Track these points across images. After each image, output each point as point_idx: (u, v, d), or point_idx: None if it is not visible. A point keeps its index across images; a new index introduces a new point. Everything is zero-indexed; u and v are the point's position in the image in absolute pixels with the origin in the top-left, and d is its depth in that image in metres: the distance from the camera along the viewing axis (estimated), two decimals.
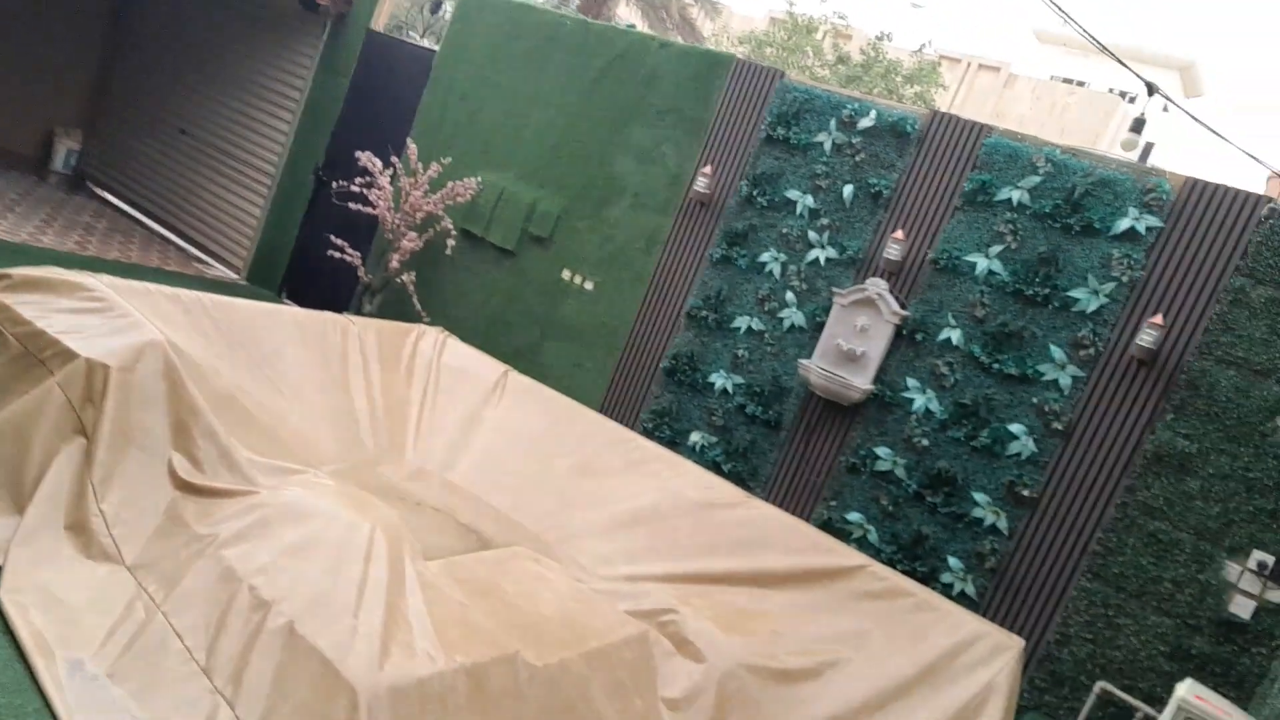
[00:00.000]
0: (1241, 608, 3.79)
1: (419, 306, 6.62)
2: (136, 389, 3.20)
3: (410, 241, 6.58)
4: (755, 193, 5.45)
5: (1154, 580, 4.03)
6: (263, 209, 8.04)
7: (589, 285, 6.18)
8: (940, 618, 3.43)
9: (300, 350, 4.33)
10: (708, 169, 5.63)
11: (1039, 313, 4.51)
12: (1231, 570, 3.86)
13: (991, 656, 3.30)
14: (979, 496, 4.47)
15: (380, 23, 7.79)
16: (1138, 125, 9.50)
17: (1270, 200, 4.08)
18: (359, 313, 6.75)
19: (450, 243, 6.55)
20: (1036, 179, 4.61)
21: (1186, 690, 3.22)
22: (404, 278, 6.61)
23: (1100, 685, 3.90)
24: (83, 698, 2.45)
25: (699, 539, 3.97)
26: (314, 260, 7.58)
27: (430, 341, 5.09)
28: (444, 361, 4.99)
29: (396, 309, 6.72)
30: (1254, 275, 4.05)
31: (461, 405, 4.79)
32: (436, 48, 7.30)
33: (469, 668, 2.76)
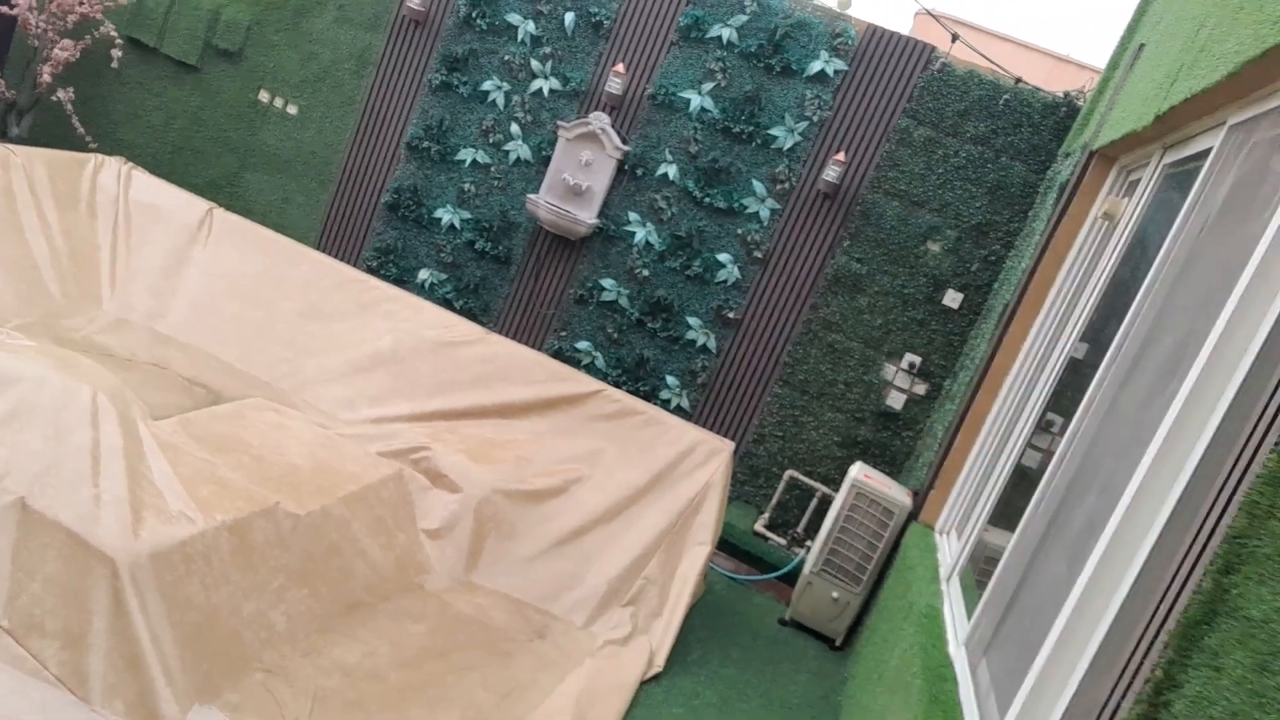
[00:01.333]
0: (896, 400, 4.67)
1: (81, 129, 5.74)
2: None
3: (64, 50, 5.59)
4: (474, 14, 5.25)
5: (830, 384, 4.80)
6: None
7: (292, 109, 5.71)
8: (664, 430, 3.87)
9: None
10: None
11: (744, 149, 4.91)
12: (889, 370, 4.71)
13: (708, 459, 3.81)
14: (692, 320, 4.96)
15: None
16: None
17: (934, 48, 4.69)
18: (4, 137, 5.72)
19: (115, 53, 5.66)
20: (744, 18, 4.88)
21: (857, 471, 3.98)
22: (59, 94, 5.66)
23: (789, 473, 4.67)
24: None
25: (441, 377, 4.06)
26: None
27: (112, 174, 4.50)
28: (132, 197, 4.45)
29: (53, 132, 5.79)
30: (916, 117, 4.69)
31: (161, 247, 4.36)
32: None
33: (230, 524, 2.73)
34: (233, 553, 2.72)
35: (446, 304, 5.24)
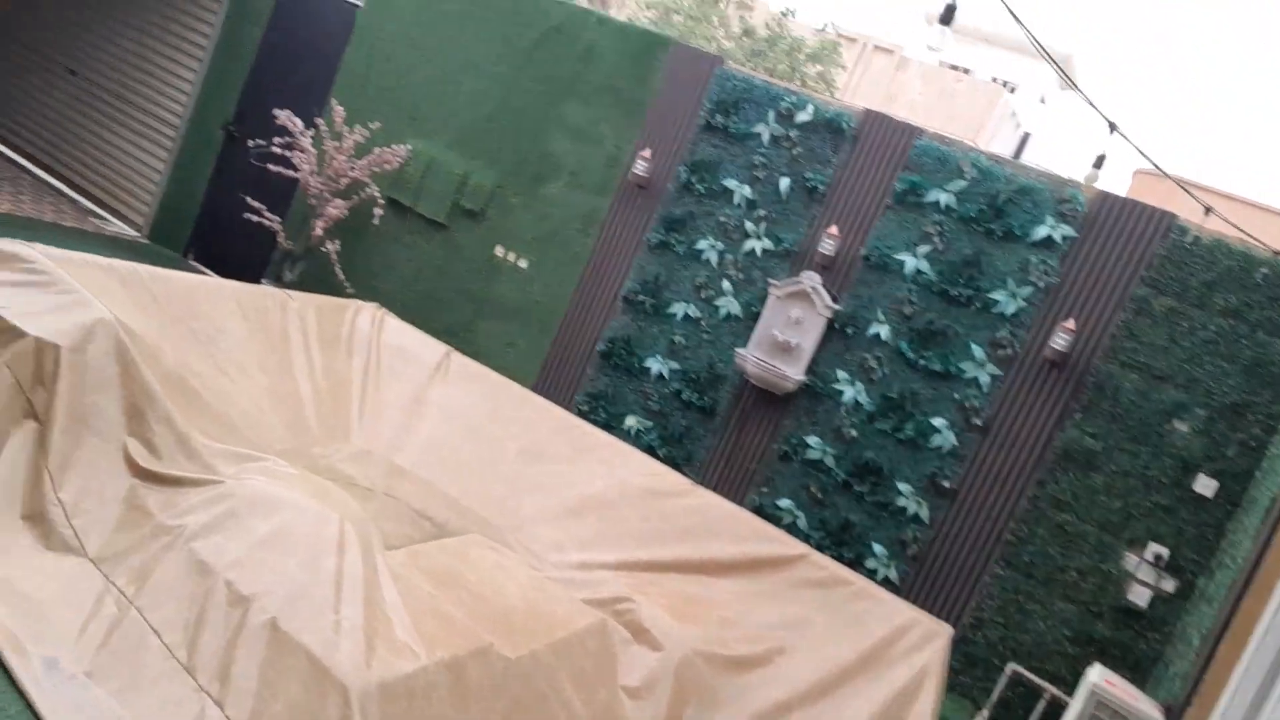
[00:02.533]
0: (1139, 596, 4.21)
1: (342, 277, 6.45)
2: (89, 370, 3.06)
3: (335, 209, 6.38)
4: (694, 179, 5.55)
5: (1061, 569, 4.42)
6: (166, 163, 7.61)
7: (523, 263, 6.17)
8: (876, 605, 3.67)
9: (242, 327, 4.20)
10: (646, 152, 5.69)
11: (962, 312, 4.80)
12: (1130, 561, 4.28)
13: (924, 643, 3.57)
14: (903, 486, 4.76)
15: None
16: (1099, 162, 9.15)
17: (1174, 216, 4.47)
18: (279, 280, 6.52)
19: (377, 212, 6.39)
20: (963, 183, 4.88)
21: (1097, 675, 3.57)
22: (328, 246, 6.41)
23: (1011, 667, 4.27)
24: (64, 698, 2.38)
25: (647, 527, 4.09)
26: (224, 221, 7.25)
27: (368, 318, 5.00)
28: (384, 340, 4.91)
29: (318, 278, 6.53)
30: (1156, 286, 4.44)
31: (404, 386, 4.74)
32: (359, 2, 7.04)
33: (449, 662, 2.81)
34: (450, 691, 2.77)
35: (651, 451, 5.32)
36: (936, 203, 4.91)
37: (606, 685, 3.33)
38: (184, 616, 2.66)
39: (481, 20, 6.44)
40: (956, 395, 4.75)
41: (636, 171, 5.67)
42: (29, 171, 8.23)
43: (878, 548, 4.77)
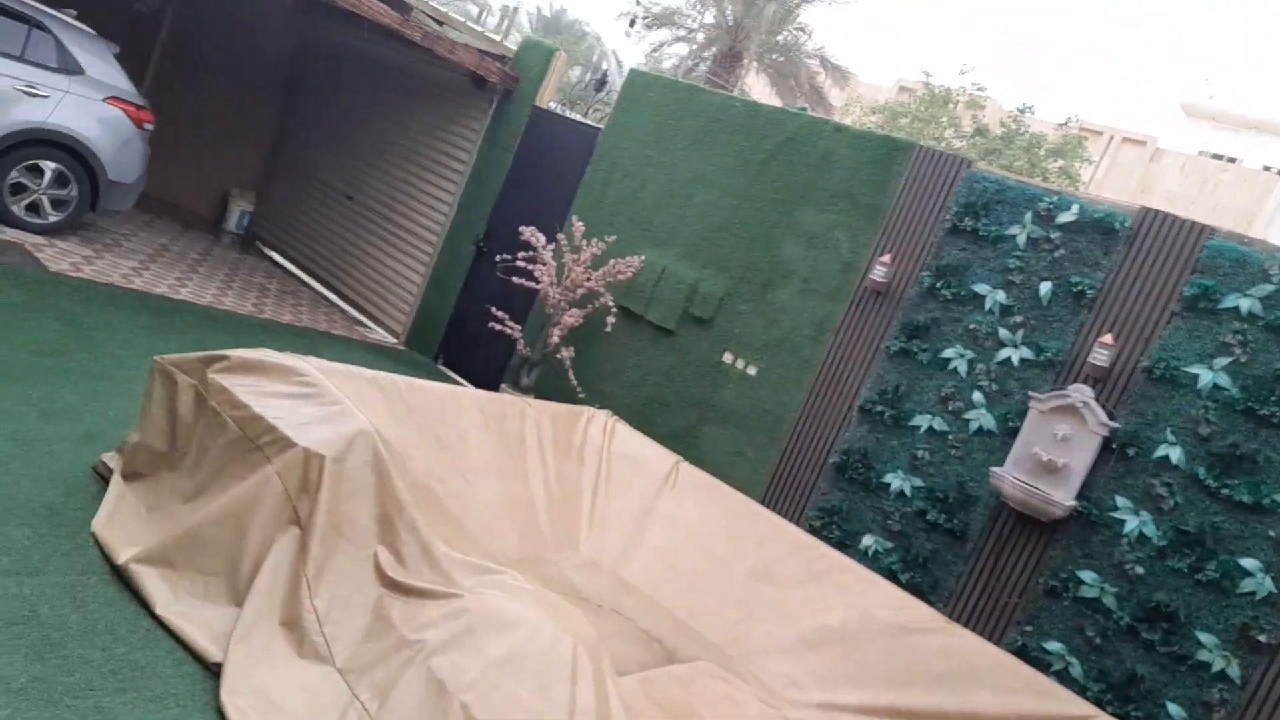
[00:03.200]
0: None
1: (575, 382, 6.59)
2: (348, 479, 3.18)
3: (571, 317, 6.58)
4: (939, 284, 5.21)
5: None
6: (423, 276, 8.25)
7: (752, 370, 6.03)
8: None
9: (483, 435, 4.30)
10: (886, 258, 5.43)
11: (1274, 435, 4.09)
12: None
13: None
14: (1205, 637, 4.03)
15: (546, 99, 7.96)
16: None
17: None
18: (516, 385, 6.77)
19: (610, 320, 6.52)
20: (1270, 287, 4.23)
21: None
22: (562, 353, 6.60)
23: None
24: None
25: (895, 666, 3.68)
26: (470, 329, 7.70)
27: (599, 426, 5.00)
28: (614, 449, 4.88)
29: (552, 384, 6.71)
30: None
31: (633, 496, 4.66)
32: (601, 125, 7.40)
33: None
34: None
35: (891, 575, 4.87)
36: (1236, 309, 4.28)
37: None
38: None
39: (716, 136, 6.55)
40: (1272, 533, 4.00)
41: (875, 277, 5.42)
42: (309, 286, 9.22)
43: (1174, 709, 4.02)
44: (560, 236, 6.79)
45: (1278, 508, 4.00)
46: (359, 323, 8.56)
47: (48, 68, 6.42)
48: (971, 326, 5.08)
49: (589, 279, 6.58)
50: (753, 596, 4.15)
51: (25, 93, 6.30)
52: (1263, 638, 3.92)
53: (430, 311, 8.17)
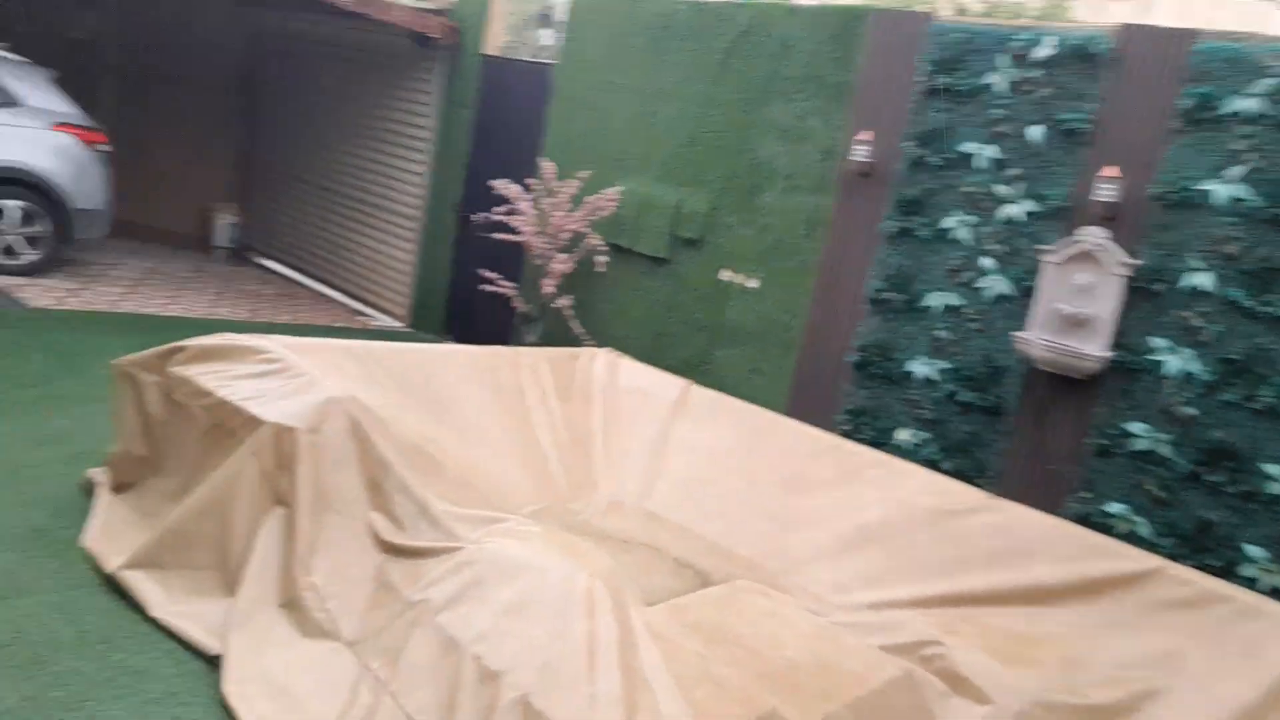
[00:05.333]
0: None
1: (579, 330, 6.38)
2: (326, 450, 3.01)
3: (560, 264, 6.35)
4: (924, 153, 4.90)
5: None
6: (413, 254, 8.04)
7: (752, 283, 5.76)
8: (1274, 625, 2.80)
9: (476, 390, 4.11)
10: (865, 135, 5.11)
11: None
12: None
13: None
14: (1272, 469, 3.75)
15: (494, 45, 7.62)
16: None
17: None
18: (520, 344, 6.57)
19: (600, 259, 6.27)
20: (1272, 81, 3.88)
21: None
22: (560, 302, 6.38)
23: None
24: None
25: (945, 553, 3.46)
26: (471, 298, 7.49)
27: (602, 364, 4.79)
28: (620, 384, 4.67)
29: (558, 335, 6.50)
30: None
31: (646, 428, 4.46)
32: (554, 61, 7.08)
33: None
34: None
35: (932, 466, 4.62)
36: (1239, 112, 3.94)
37: None
38: (437, 698, 2.44)
39: (668, 45, 6.22)
40: None
41: (857, 158, 5.11)
42: (305, 286, 9.06)
43: (1253, 550, 3.77)
44: (532, 182, 6.53)
45: None
46: (360, 313, 8.39)
47: None
48: (967, 190, 4.76)
49: (570, 221, 6.33)
50: (784, 507, 3.94)
51: None
52: None
53: (428, 288, 7.97)
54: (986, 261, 4.68)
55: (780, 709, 2.53)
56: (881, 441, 4.93)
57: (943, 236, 4.84)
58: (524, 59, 7.39)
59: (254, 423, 2.99)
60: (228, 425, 3.08)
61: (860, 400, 5.10)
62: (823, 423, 5.20)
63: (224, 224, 10.02)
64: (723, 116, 5.90)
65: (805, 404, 5.40)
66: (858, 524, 3.70)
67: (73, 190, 6.60)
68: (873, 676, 2.82)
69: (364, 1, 7.11)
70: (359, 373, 3.68)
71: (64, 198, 6.56)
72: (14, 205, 6.39)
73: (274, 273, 9.44)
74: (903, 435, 4.88)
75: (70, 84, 7.64)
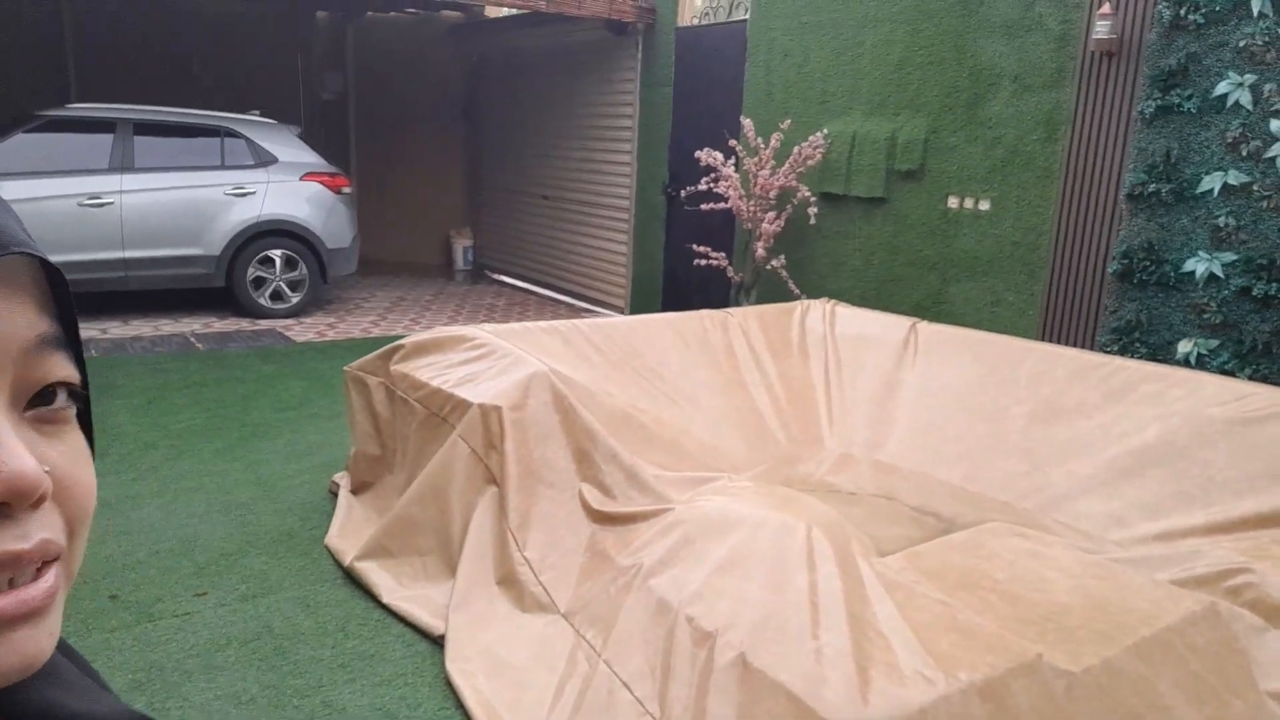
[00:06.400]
0: None
1: (796, 290, 6.08)
2: (532, 425, 2.99)
3: (770, 224, 6.09)
4: (1182, 10, 4.12)
5: None
6: (628, 243, 8.12)
7: (984, 205, 5.19)
8: None
9: (684, 355, 3.98)
10: (1106, 9, 4.41)
11: None
12: None
13: None
14: None
15: (687, 16, 7.50)
16: None
17: None
18: None
19: (812, 211, 5.94)
20: None
21: None
22: (773, 264, 6.12)
23: None
24: None
25: (1248, 468, 2.85)
26: (685, 278, 7.42)
27: (818, 315, 4.49)
28: (838, 332, 4.35)
29: (773, 298, 6.23)
30: None
31: (872, 375, 4.10)
32: (746, 15, 6.82)
33: (980, 686, 2.05)
34: None
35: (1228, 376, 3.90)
36: None
37: (1239, 693, 2.24)
38: (651, 664, 2.32)
39: None
40: None
41: (1099, 36, 4.43)
42: (535, 293, 9.45)
43: None
44: (734, 145, 6.31)
45: None
46: (584, 310, 8.60)
47: (246, 166, 7.04)
48: (1243, 43, 3.96)
49: (778, 177, 6.05)
50: (1038, 441, 3.45)
51: (236, 195, 6.94)
52: None
53: (644, 274, 8.00)
54: (1277, 125, 3.86)
55: (1048, 655, 2.16)
56: (1160, 359, 4.22)
57: (1216, 106, 4.07)
58: (717, 23, 7.20)
59: (463, 406, 3.04)
60: (441, 413, 3.16)
61: (1128, 315, 4.40)
62: (1084, 347, 4.58)
63: (461, 247, 10.70)
64: (935, 29, 5.37)
65: (1060, 330, 4.78)
66: (1132, 447, 3.15)
67: (324, 233, 7.28)
68: (1165, 614, 2.34)
69: (558, 2, 7.25)
70: (566, 351, 3.67)
71: (319, 240, 7.25)
72: (278, 253, 7.15)
73: (508, 285, 9.93)
74: (1185, 347, 4.15)
75: (321, 138, 8.50)
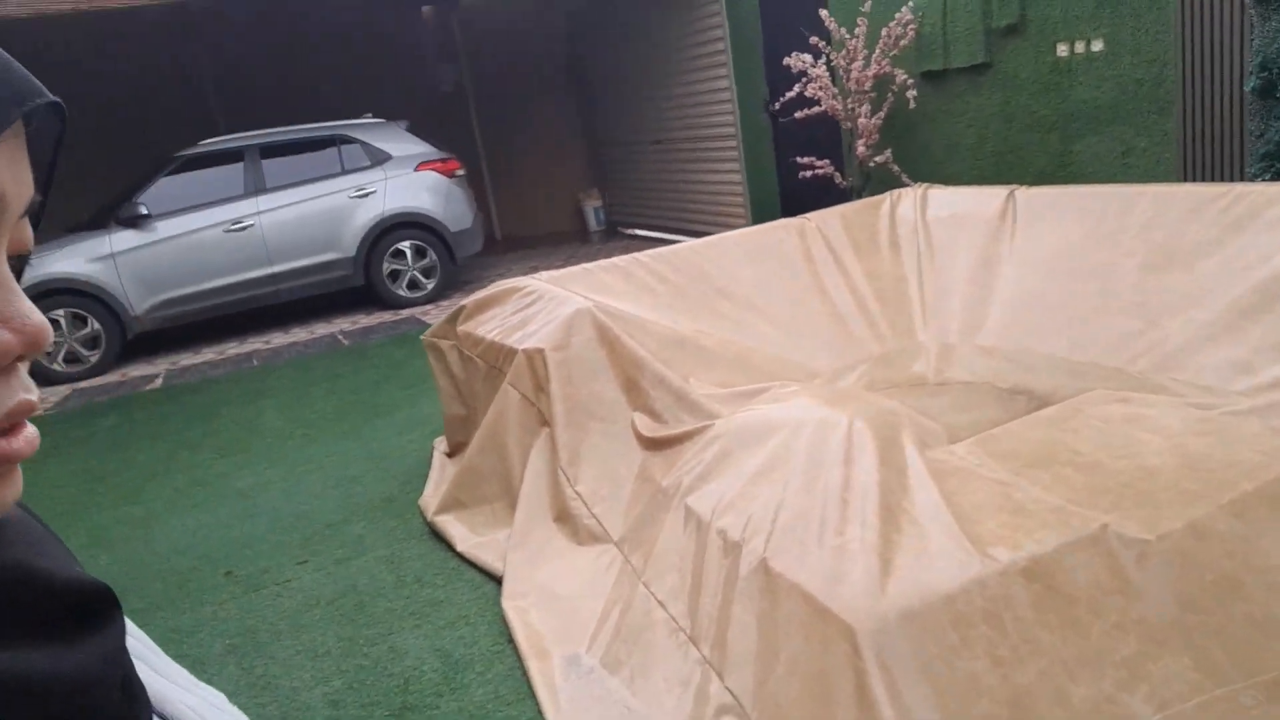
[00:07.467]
0: None
1: (908, 183, 5.66)
2: (577, 363, 2.97)
3: (866, 119, 5.70)
4: None
5: None
6: (740, 170, 7.87)
7: (1097, 45, 4.60)
8: None
9: (756, 269, 3.80)
10: None
11: None
12: None
13: None
14: None
15: None
16: None
17: None
18: None
19: (911, 95, 5.50)
20: None
21: None
22: (879, 159, 5.73)
23: None
24: (577, 696, 2.15)
25: None
26: (799, 191, 7.11)
27: (909, 203, 4.16)
28: (930, 216, 4.01)
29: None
30: None
31: (966, 255, 3.76)
32: None
33: (1024, 566, 1.84)
34: (1036, 607, 1.81)
35: None
36: None
37: None
38: (685, 582, 2.25)
39: None
40: None
41: None
42: (662, 240, 9.38)
43: None
44: (818, 44, 5.94)
45: None
46: None
47: (364, 168, 7.42)
48: None
49: (871, 68, 5.64)
50: (1152, 294, 3.03)
51: (359, 197, 7.34)
52: None
53: (761, 198, 7.74)
54: None
55: (1116, 525, 1.90)
56: None
57: None
58: None
59: (511, 354, 3.07)
60: (497, 364, 3.20)
61: (1276, 135, 3.76)
62: (1231, 180, 3.99)
63: (591, 208, 10.79)
64: None
65: (1204, 169, 4.17)
66: (1256, 283, 2.70)
67: (446, 217, 7.56)
68: (1274, 464, 2.00)
69: None
70: (626, 286, 3.62)
71: (442, 225, 7.54)
72: (407, 244, 7.50)
73: (639, 238, 9.92)
74: None
75: (444, 133, 8.81)
